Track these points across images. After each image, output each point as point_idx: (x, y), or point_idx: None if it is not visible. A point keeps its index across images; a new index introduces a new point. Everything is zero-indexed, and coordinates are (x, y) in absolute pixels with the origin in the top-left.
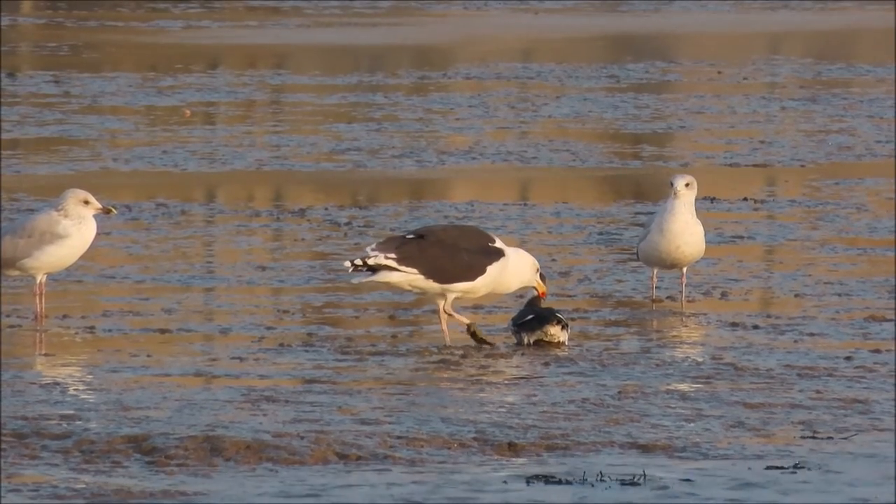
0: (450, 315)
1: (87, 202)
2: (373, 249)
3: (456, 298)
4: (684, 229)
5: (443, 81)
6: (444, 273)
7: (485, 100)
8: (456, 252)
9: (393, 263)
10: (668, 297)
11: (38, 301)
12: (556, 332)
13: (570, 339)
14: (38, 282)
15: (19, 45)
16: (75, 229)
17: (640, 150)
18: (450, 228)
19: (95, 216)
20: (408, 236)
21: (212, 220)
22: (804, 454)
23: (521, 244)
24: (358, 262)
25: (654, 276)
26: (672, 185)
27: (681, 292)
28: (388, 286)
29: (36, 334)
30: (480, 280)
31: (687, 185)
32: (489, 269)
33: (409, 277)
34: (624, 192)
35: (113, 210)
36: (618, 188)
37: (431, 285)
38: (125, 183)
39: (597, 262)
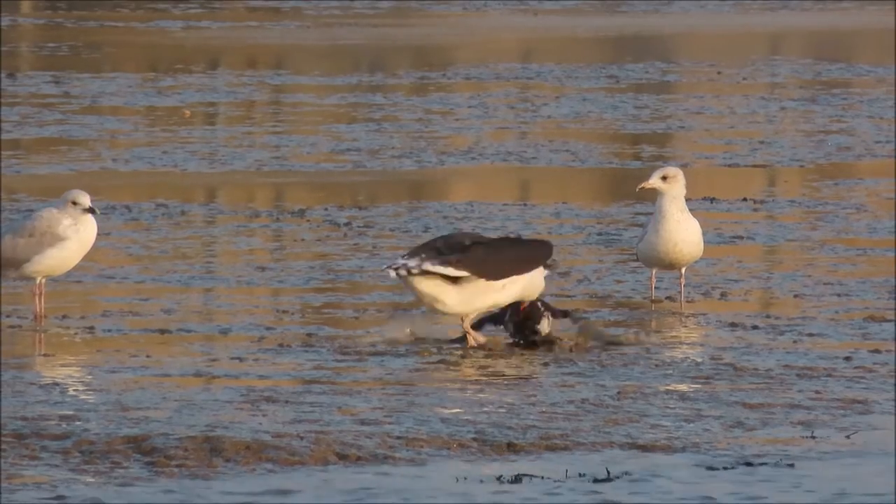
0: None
1: (75, 203)
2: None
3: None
4: (678, 227)
5: (442, 82)
6: (499, 268)
7: (484, 100)
8: (504, 250)
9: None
10: (667, 298)
11: (37, 301)
12: (543, 327)
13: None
14: (37, 282)
15: (19, 45)
16: (73, 231)
17: (640, 151)
18: (484, 238)
19: (96, 216)
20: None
21: (212, 221)
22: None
23: None
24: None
25: (653, 277)
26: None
27: (679, 292)
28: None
29: (35, 334)
30: (533, 274)
31: (664, 178)
32: (537, 269)
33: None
34: (623, 193)
35: (95, 210)
36: (617, 188)
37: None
38: (125, 183)
39: (596, 263)
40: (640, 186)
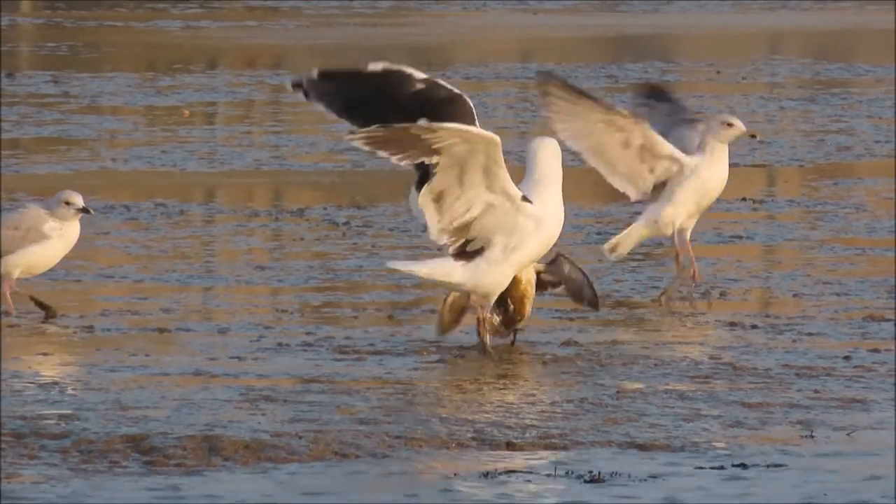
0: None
1: (68, 203)
2: None
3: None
4: (725, 168)
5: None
6: None
7: (484, 100)
8: None
9: None
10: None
11: (7, 297)
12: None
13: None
14: (13, 278)
15: (18, 44)
16: (57, 233)
17: None
18: None
19: (83, 217)
20: None
21: (210, 220)
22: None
23: None
24: None
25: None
26: (728, 123)
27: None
28: None
29: (33, 334)
30: None
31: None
32: None
33: None
34: (623, 193)
35: (90, 210)
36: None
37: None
38: (124, 183)
39: (595, 262)
40: (753, 133)
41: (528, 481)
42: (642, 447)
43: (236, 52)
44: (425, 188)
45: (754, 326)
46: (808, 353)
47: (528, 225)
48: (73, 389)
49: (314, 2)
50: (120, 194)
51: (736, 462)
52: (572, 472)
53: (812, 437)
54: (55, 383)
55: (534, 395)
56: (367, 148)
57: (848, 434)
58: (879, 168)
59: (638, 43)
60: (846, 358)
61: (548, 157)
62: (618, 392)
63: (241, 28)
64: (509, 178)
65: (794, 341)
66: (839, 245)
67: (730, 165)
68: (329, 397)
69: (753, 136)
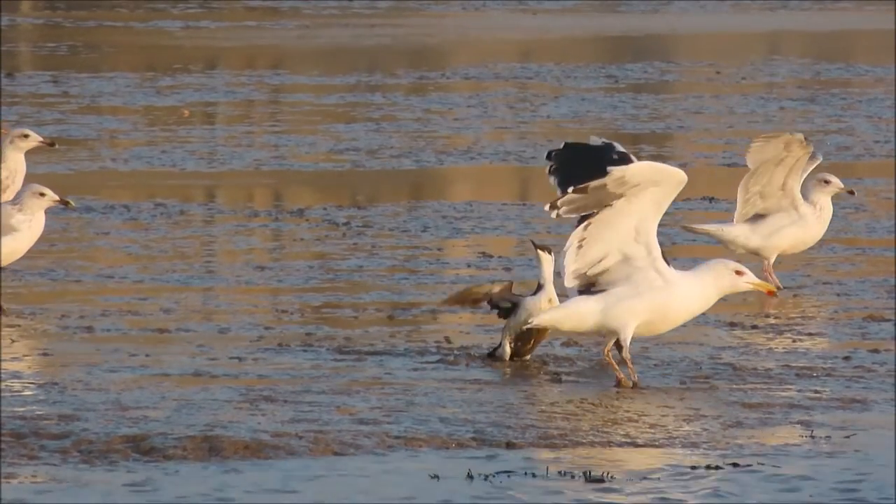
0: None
1: (42, 194)
2: None
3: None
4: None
5: (441, 81)
6: None
7: (483, 100)
8: None
9: None
10: None
11: None
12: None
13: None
14: None
15: (18, 45)
16: (26, 225)
17: (639, 151)
18: None
19: (50, 209)
20: None
21: (210, 220)
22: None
23: (520, 244)
24: None
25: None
26: (830, 183)
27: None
28: None
29: (33, 334)
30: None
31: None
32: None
33: None
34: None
35: (71, 203)
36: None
37: None
38: (124, 183)
39: None
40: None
41: (527, 481)
42: (642, 447)
43: (236, 53)
44: (577, 231)
45: (754, 327)
46: (808, 354)
47: (657, 280)
48: (73, 389)
49: (313, 1)
50: (120, 194)
51: (735, 462)
52: (572, 473)
53: (812, 436)
54: (55, 383)
55: (534, 395)
56: (566, 215)
57: (848, 437)
58: (879, 168)
59: (637, 43)
60: (846, 358)
61: (710, 266)
62: (618, 392)
63: (241, 28)
64: (655, 235)
65: (794, 341)
66: (839, 245)
67: (729, 165)
68: (329, 397)
69: (851, 193)
